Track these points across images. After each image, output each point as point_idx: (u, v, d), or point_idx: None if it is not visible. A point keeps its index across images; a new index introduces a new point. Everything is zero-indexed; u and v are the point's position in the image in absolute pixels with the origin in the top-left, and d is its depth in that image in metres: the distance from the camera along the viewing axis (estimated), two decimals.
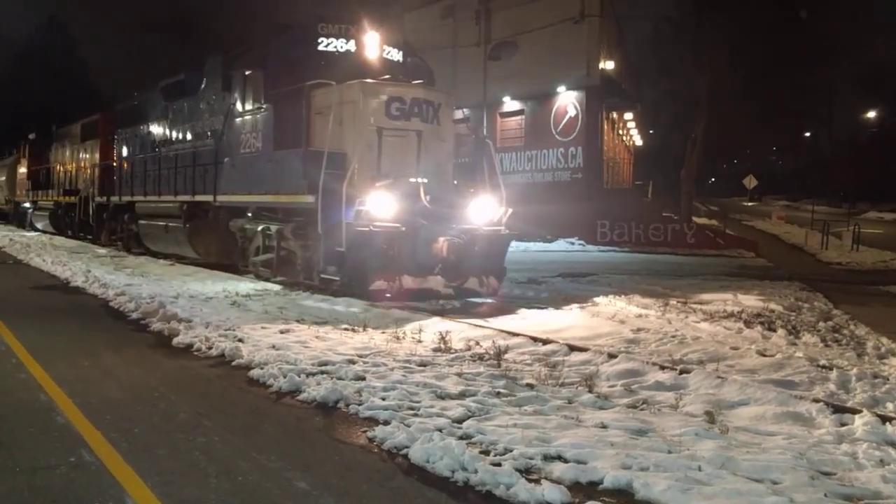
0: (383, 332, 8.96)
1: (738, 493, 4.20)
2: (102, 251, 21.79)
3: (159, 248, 18.94)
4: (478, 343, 8.23)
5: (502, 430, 5.25)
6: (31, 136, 33.82)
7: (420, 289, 11.38)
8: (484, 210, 12.07)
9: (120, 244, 22.13)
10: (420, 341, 8.50)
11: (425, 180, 11.74)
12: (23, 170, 35.00)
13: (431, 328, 9.15)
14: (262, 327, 9.20)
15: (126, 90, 33.07)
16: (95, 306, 11.37)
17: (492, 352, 7.68)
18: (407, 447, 4.90)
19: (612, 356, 7.61)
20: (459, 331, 9.01)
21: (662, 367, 7.14)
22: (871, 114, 66.23)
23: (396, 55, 13.96)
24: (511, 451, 4.84)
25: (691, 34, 33.75)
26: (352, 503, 4.18)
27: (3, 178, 39.32)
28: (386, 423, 5.42)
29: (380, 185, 11.34)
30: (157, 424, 5.47)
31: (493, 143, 12.66)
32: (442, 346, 8.11)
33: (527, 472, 4.56)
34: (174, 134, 18.12)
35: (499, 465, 4.58)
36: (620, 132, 45.11)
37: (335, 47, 13.50)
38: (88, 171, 25.57)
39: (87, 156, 26.03)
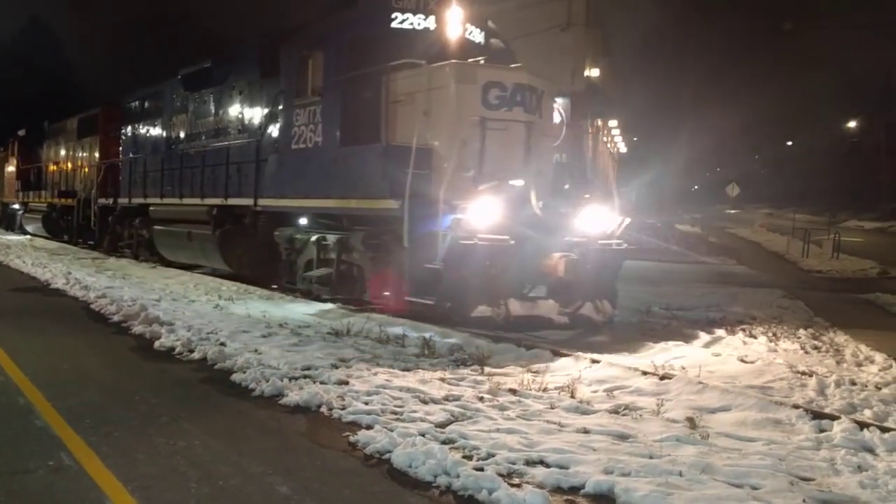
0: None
1: (719, 498, 4.23)
2: (86, 254, 21.60)
3: (179, 257, 16.73)
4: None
5: (484, 434, 5.26)
6: (21, 133, 31.75)
7: (529, 315, 9.48)
8: (596, 219, 10.06)
9: (128, 251, 19.94)
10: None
11: (534, 183, 9.80)
12: (11, 169, 32.80)
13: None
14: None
15: (113, 88, 32.75)
16: (76, 309, 11.28)
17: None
18: (389, 451, 4.90)
19: (594, 361, 7.64)
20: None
21: (644, 373, 7.18)
22: (852, 123, 67.06)
23: (478, 36, 11.81)
24: (493, 455, 4.85)
25: (678, 43, 34.15)
26: None
27: None
28: (369, 427, 5.41)
29: (484, 189, 9.41)
30: (138, 428, 5.43)
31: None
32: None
33: (508, 476, 4.57)
34: (197, 128, 16.08)
35: (481, 469, 4.59)
36: (605, 139, 45.40)
37: (412, 24, 11.14)
38: (87, 170, 23.74)
39: (86, 154, 24.20)
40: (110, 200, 20.82)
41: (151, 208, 17.86)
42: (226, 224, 14.47)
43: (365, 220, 10.83)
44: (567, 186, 11.12)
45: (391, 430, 5.25)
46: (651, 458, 4.90)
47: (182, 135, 16.74)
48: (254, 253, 13.85)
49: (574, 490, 4.43)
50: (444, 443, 5.06)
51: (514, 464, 4.73)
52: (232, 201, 14.16)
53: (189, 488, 4.35)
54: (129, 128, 20.08)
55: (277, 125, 12.71)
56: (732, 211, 63.80)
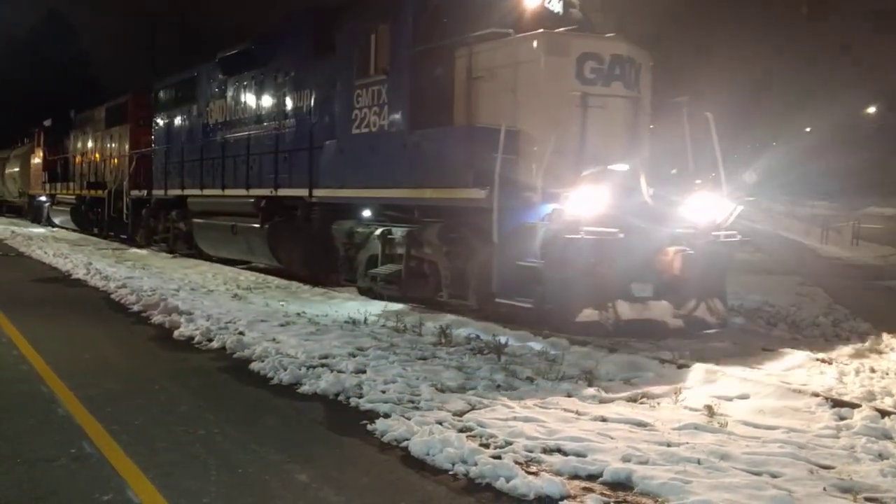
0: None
1: (738, 486, 4.21)
2: (107, 244, 21.78)
3: (221, 251, 15.81)
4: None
5: (501, 422, 5.26)
6: (47, 123, 30.78)
7: (640, 319, 8.24)
8: (705, 207, 8.82)
9: (163, 245, 19.09)
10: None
11: (642, 168, 8.70)
12: (37, 160, 31.79)
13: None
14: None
15: (126, 82, 32.80)
16: (97, 299, 11.39)
17: None
18: (407, 439, 4.91)
19: (612, 350, 7.62)
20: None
21: (662, 361, 7.15)
22: (871, 109, 66.15)
23: (557, 4, 10.60)
24: (510, 443, 4.85)
25: (696, 29, 33.57)
26: (351, 496, 4.19)
27: (16, 170, 36.27)
28: (386, 415, 5.43)
29: (587, 175, 8.29)
30: (158, 417, 5.49)
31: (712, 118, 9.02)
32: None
33: (526, 464, 4.57)
34: (237, 115, 15.07)
35: (499, 457, 4.59)
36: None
37: None
38: (117, 160, 22.85)
39: (115, 144, 23.27)
40: (144, 192, 19.87)
41: (190, 200, 16.89)
42: (274, 217, 13.44)
43: (439, 211, 9.72)
44: (675, 171, 9.76)
45: (409, 419, 5.27)
46: (669, 445, 4.88)
47: (221, 122, 15.75)
48: (305, 248, 12.85)
49: (592, 478, 4.43)
50: (461, 431, 5.07)
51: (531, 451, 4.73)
52: (283, 192, 13.09)
53: (209, 476, 4.38)
54: (162, 115, 19.12)
55: (334, 109, 11.57)
56: (750, 199, 63.03)
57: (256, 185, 13.94)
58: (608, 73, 8.82)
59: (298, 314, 9.76)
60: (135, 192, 20.50)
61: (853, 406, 5.75)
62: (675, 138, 9.51)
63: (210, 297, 11.15)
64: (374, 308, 10.23)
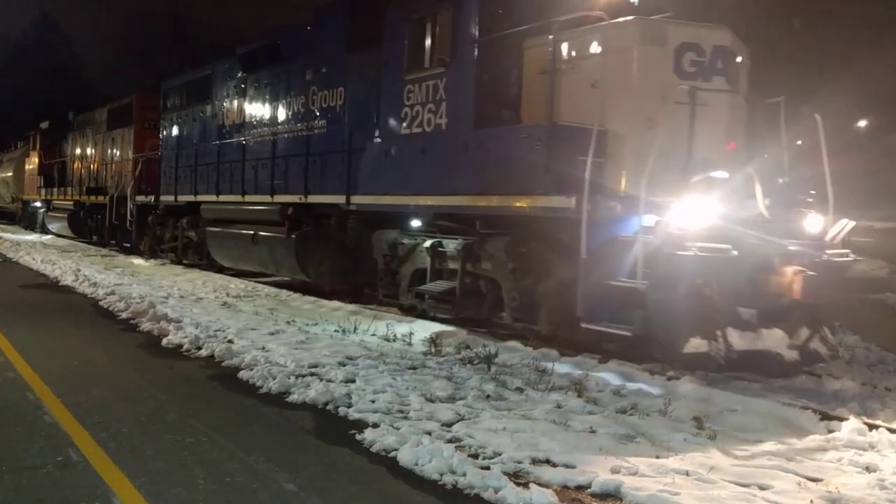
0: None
1: (726, 498, 4.22)
2: (95, 251, 21.66)
3: (239, 263, 14.62)
4: None
5: (491, 433, 5.25)
6: (44, 126, 29.52)
7: (753, 350, 7.01)
8: (815, 222, 7.76)
9: (171, 255, 17.96)
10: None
11: (757, 175, 7.60)
12: (33, 164, 30.37)
13: None
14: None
15: (121, 86, 32.62)
16: (85, 305, 11.33)
17: None
18: (396, 449, 4.90)
19: (601, 361, 7.63)
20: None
21: (652, 373, 7.16)
22: (862, 123, 66.53)
23: None
24: (500, 454, 4.85)
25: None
26: None
27: (9, 174, 34.71)
28: (375, 425, 5.41)
29: (696, 182, 7.22)
30: (146, 424, 5.46)
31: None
32: None
33: (515, 475, 4.56)
34: (259, 115, 13.93)
35: (487, 468, 4.58)
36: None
37: None
38: (119, 164, 21.77)
39: (118, 147, 22.24)
40: (150, 198, 18.63)
41: (203, 207, 15.63)
42: (302, 226, 12.38)
43: (505, 222, 8.61)
44: (783, 180, 8.38)
45: (398, 429, 5.26)
46: (658, 457, 4.89)
47: (239, 123, 14.59)
48: (338, 260, 11.76)
49: (581, 489, 4.42)
50: (449, 441, 5.06)
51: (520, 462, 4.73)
52: (314, 199, 11.93)
53: (196, 484, 4.36)
54: (171, 116, 17.93)
55: (377, 107, 10.39)
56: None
57: (282, 191, 12.76)
58: (709, 67, 7.73)
59: (288, 322, 9.73)
60: (140, 198, 19.27)
61: (841, 419, 5.78)
62: (767, 142, 8.39)
63: (199, 305, 11.11)
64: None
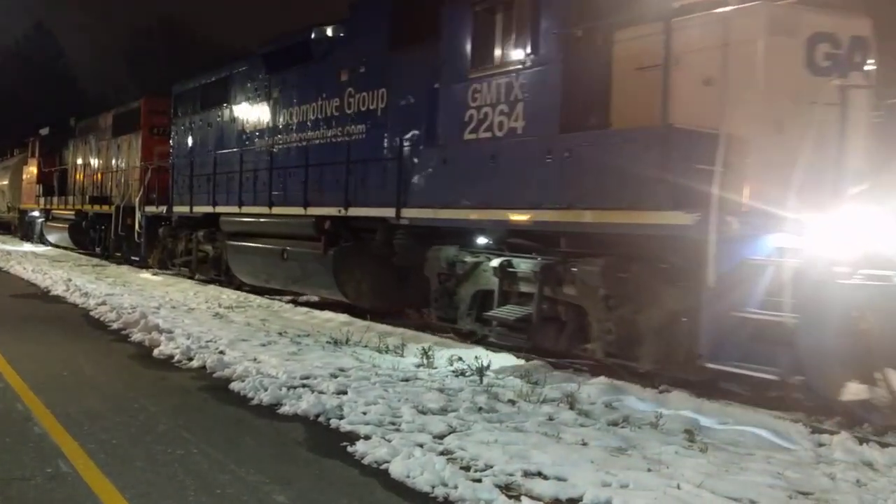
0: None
1: None
2: (86, 260, 21.57)
3: (263, 280, 13.45)
4: None
5: (483, 445, 5.25)
6: (44, 132, 28.53)
7: None
8: None
9: (184, 270, 16.80)
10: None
11: None
12: (31, 172, 29.24)
13: None
14: None
15: (116, 95, 32.49)
16: (76, 315, 11.29)
17: None
18: (387, 462, 4.89)
19: (593, 374, 7.63)
20: None
21: (644, 386, 7.16)
22: None
23: None
24: (491, 466, 4.84)
25: None
26: None
27: (5, 183, 33.59)
28: (367, 437, 5.40)
29: (853, 195, 6.23)
30: (136, 436, 5.43)
31: None
32: None
33: (507, 488, 4.55)
34: (287, 119, 12.82)
35: (479, 480, 4.58)
36: None
37: None
38: (125, 173, 20.73)
39: (124, 154, 21.18)
40: (161, 209, 17.44)
41: (223, 219, 14.48)
42: (340, 241, 11.31)
43: (597, 240, 7.53)
44: None
45: (389, 441, 5.25)
46: (649, 470, 4.88)
47: (263, 128, 13.55)
48: (382, 279, 10.79)
49: (572, 502, 4.42)
50: (441, 453, 5.05)
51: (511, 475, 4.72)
52: (356, 212, 10.84)
53: (186, 496, 4.34)
54: (184, 122, 16.79)
55: (432, 109, 9.38)
56: None
57: (317, 202, 11.63)
58: (846, 60, 6.65)
59: (280, 334, 9.71)
60: (149, 209, 18.09)
61: (832, 433, 5.78)
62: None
63: (191, 316, 11.08)
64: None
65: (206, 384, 7.13)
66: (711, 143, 6.37)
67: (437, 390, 6.82)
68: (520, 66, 8.12)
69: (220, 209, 14.56)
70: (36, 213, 29.54)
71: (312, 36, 12.07)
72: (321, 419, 5.92)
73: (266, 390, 6.58)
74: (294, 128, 12.61)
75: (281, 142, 12.93)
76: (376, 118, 10.66)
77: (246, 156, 13.91)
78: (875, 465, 5.21)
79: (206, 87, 15.93)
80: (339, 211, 11.04)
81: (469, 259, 9.08)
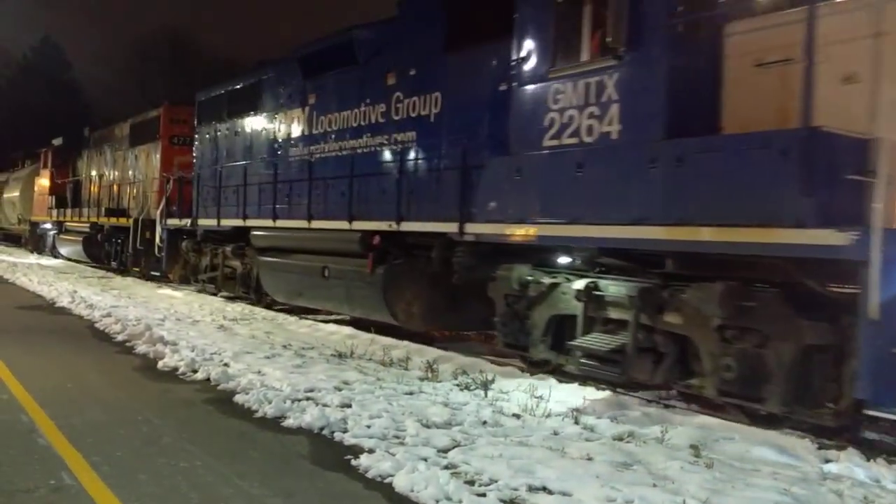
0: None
1: None
2: (91, 272, 21.60)
3: (300, 299, 12.53)
4: None
5: (487, 460, 5.23)
6: (57, 142, 27.87)
7: None
8: None
9: (210, 286, 15.78)
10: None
11: None
12: (44, 183, 28.54)
13: None
14: None
15: (121, 108, 32.52)
16: (81, 327, 11.30)
17: None
18: (392, 475, 4.87)
19: (598, 388, 7.61)
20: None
21: (648, 401, 7.14)
22: None
23: None
24: (496, 481, 4.82)
25: None
26: None
27: (16, 194, 32.80)
28: (371, 451, 5.39)
29: None
30: (140, 448, 5.42)
31: None
32: None
33: (511, 502, 4.53)
34: (326, 126, 12.01)
35: (483, 495, 4.56)
36: None
37: None
38: (143, 184, 19.98)
39: (141, 164, 20.42)
40: (185, 222, 16.42)
41: (254, 234, 13.63)
42: (389, 257, 10.41)
43: (712, 261, 6.57)
44: None
45: (393, 454, 5.23)
46: (655, 485, 4.86)
47: (299, 136, 12.73)
48: (433, 299, 9.95)
49: None
50: (445, 467, 5.04)
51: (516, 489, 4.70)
52: (410, 226, 9.89)
53: None
54: (209, 131, 15.94)
55: (502, 113, 8.52)
56: None
57: (363, 215, 10.76)
58: None
59: (285, 346, 9.70)
60: (171, 222, 17.10)
61: (840, 448, 5.75)
62: None
63: (196, 328, 11.09)
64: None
65: (210, 396, 7.13)
66: (863, 150, 5.66)
67: (441, 404, 6.81)
68: (614, 64, 7.16)
69: (250, 222, 13.68)
70: (48, 226, 28.79)
71: (355, 37, 11.29)
72: (325, 432, 5.91)
73: (270, 403, 6.57)
74: (333, 136, 11.82)
75: (319, 151, 12.11)
76: (429, 125, 9.87)
77: (282, 166, 13.01)
78: (882, 481, 5.18)
79: (234, 94, 15.09)
80: (390, 225, 10.08)
81: (546, 280, 8.13)
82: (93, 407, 6.57)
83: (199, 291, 16.16)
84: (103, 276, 20.77)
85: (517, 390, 7.43)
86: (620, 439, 5.96)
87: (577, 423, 6.37)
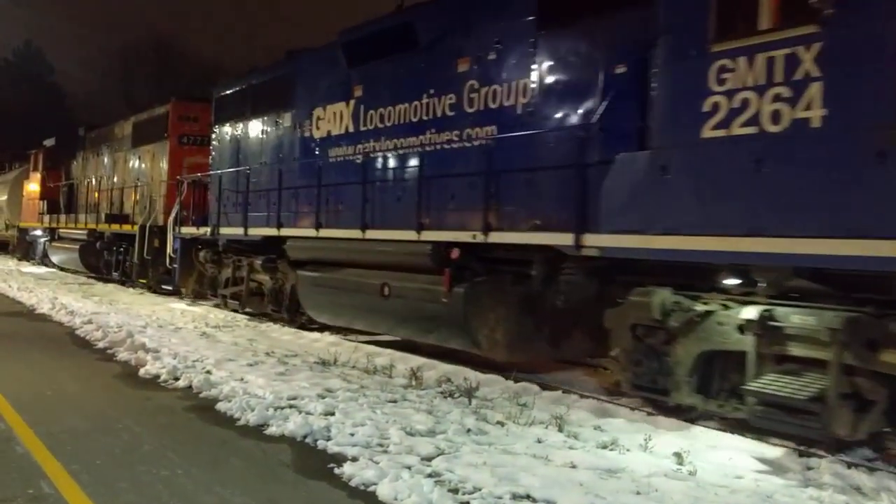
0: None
1: None
2: (73, 279, 21.38)
3: (352, 321, 10.93)
4: None
5: (471, 468, 5.21)
6: (49, 143, 26.10)
7: None
8: None
9: (235, 302, 13.95)
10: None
11: None
12: (33, 187, 26.80)
13: None
14: None
15: (103, 115, 32.16)
16: (61, 334, 11.19)
17: None
18: (375, 484, 4.85)
19: (582, 396, 7.62)
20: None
21: (633, 409, 7.15)
22: None
23: None
24: (480, 489, 4.81)
25: None
26: None
27: (3, 198, 31.37)
28: (354, 459, 5.36)
29: None
30: (120, 456, 5.37)
31: None
32: None
33: None
34: (376, 121, 10.48)
35: (467, 503, 4.54)
36: None
37: None
38: (148, 188, 18.34)
39: (147, 166, 18.80)
40: (203, 230, 14.59)
41: (291, 244, 11.85)
42: (466, 274, 8.72)
43: None
44: None
45: (377, 463, 5.21)
46: (638, 493, 4.86)
47: (343, 134, 11.17)
48: (525, 326, 8.37)
49: None
50: (429, 476, 5.02)
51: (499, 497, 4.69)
52: (502, 237, 8.28)
53: None
54: (229, 129, 14.33)
55: (627, 99, 7.14)
56: None
57: (436, 224, 9.22)
58: None
59: (268, 354, 9.65)
60: (187, 230, 15.29)
61: (821, 456, 5.79)
62: None
63: (178, 335, 11.00)
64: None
65: (192, 404, 7.07)
66: None
67: (425, 412, 6.78)
68: (814, 31, 5.66)
69: (286, 232, 11.95)
70: (38, 232, 26.83)
71: (417, 17, 9.87)
72: (308, 440, 5.88)
73: (253, 411, 6.53)
74: (387, 133, 10.30)
75: (368, 150, 10.57)
76: (515, 117, 8.43)
77: (327, 168, 11.30)
78: (863, 489, 5.21)
79: (259, 89, 13.49)
80: (474, 236, 8.48)
81: (698, 307, 6.59)
82: (72, 414, 6.50)
83: (216, 306, 14.67)
84: (84, 282, 20.59)
85: (501, 398, 7.43)
86: (604, 447, 5.97)
87: (560, 430, 6.37)
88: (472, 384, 7.70)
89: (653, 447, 5.96)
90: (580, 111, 7.74)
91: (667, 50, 6.68)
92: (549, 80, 8.14)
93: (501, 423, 6.52)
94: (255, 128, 13.54)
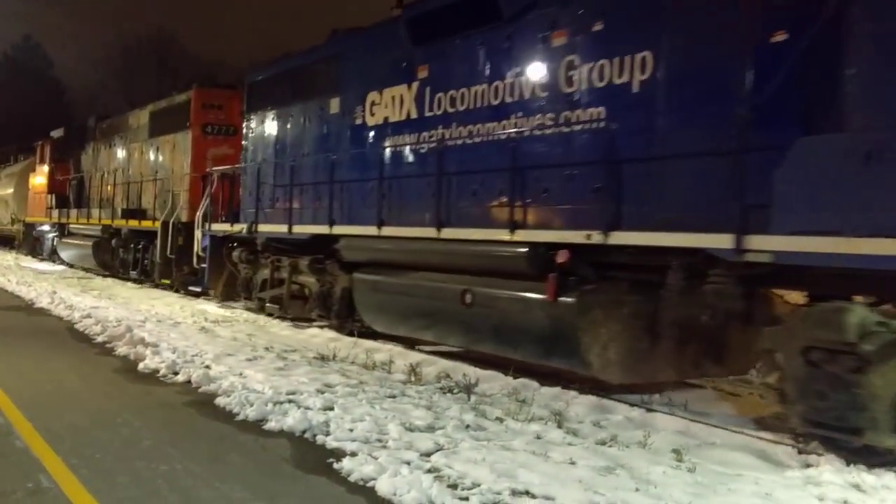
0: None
1: None
2: (72, 273, 21.36)
3: (424, 332, 9.65)
4: None
5: (470, 464, 5.22)
6: (57, 134, 24.87)
7: None
8: None
9: (275, 306, 12.64)
10: None
11: None
12: (41, 181, 25.63)
13: None
14: None
15: (103, 109, 31.99)
16: (60, 328, 11.19)
17: None
18: (374, 479, 4.85)
19: (581, 392, 7.61)
20: None
21: (631, 405, 7.15)
22: None
23: None
24: (479, 485, 4.81)
25: None
26: None
27: (9, 191, 30.13)
28: (353, 454, 5.36)
29: None
30: (119, 451, 5.37)
31: None
32: None
33: None
34: (445, 105, 9.26)
35: (466, 499, 4.54)
36: None
37: None
38: (168, 181, 17.16)
39: (166, 158, 17.61)
40: (239, 227, 13.18)
41: (346, 243, 10.67)
42: (572, 281, 7.54)
43: None
44: None
45: (376, 458, 5.21)
46: (637, 490, 4.87)
47: (402, 119, 9.95)
48: (645, 342, 7.21)
49: None
50: (428, 471, 5.02)
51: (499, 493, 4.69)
52: (628, 238, 6.97)
53: None
54: (266, 117, 13.05)
55: (792, 72, 5.89)
56: None
57: (534, 223, 8.04)
58: None
59: (267, 349, 9.65)
60: (219, 227, 14.03)
61: (820, 454, 5.78)
62: None
63: (177, 330, 11.00)
64: None
65: (191, 399, 7.07)
66: None
67: (424, 407, 6.79)
68: None
69: (340, 230, 10.74)
70: (46, 228, 25.56)
71: None
72: (307, 435, 5.88)
73: (252, 406, 6.53)
74: (459, 118, 9.08)
75: (439, 138, 9.29)
76: (631, 96, 7.17)
77: (379, 159, 10.22)
78: (862, 486, 5.20)
79: (301, 72, 12.24)
80: (589, 237, 7.19)
81: None
82: (71, 409, 6.50)
83: (248, 309, 13.51)
84: (83, 276, 20.56)
85: (500, 394, 7.43)
86: (603, 444, 5.97)
87: (560, 427, 6.37)
88: (471, 380, 7.70)
89: (652, 444, 5.96)
90: (719, 88, 6.43)
91: (872, 8, 5.47)
92: (674, 52, 6.83)
93: (500, 419, 6.52)
94: (296, 116, 12.25)
